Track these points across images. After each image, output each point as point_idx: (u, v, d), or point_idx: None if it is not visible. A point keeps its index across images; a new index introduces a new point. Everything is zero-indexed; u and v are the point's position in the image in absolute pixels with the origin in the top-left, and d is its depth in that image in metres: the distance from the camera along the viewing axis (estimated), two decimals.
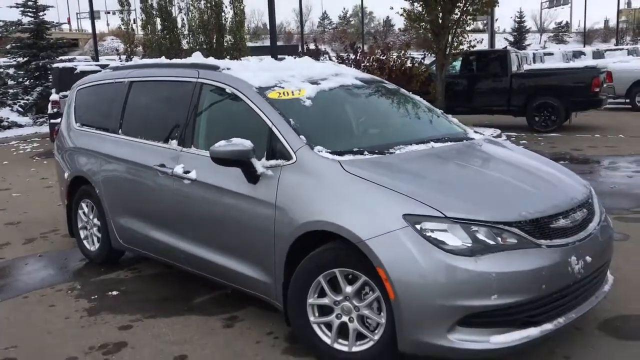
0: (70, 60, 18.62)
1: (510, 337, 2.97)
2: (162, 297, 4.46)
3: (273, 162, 3.59)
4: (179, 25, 30.60)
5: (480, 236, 2.98)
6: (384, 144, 3.75)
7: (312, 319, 3.34)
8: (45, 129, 15.91)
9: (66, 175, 5.43)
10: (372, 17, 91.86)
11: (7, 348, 3.70)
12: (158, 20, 30.15)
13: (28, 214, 7.20)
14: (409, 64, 13.16)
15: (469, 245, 2.94)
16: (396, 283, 2.95)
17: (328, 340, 3.30)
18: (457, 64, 14.28)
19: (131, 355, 3.56)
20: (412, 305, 2.94)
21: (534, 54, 23.34)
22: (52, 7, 17.44)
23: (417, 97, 4.80)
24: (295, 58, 4.97)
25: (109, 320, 4.07)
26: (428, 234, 2.96)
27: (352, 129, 4.11)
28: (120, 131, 4.87)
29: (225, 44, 30.98)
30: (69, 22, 72.65)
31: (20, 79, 17.47)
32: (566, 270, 3.10)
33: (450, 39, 12.23)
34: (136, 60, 6.55)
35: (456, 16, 12.12)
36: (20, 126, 16.57)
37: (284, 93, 3.95)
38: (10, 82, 17.28)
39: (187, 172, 4.06)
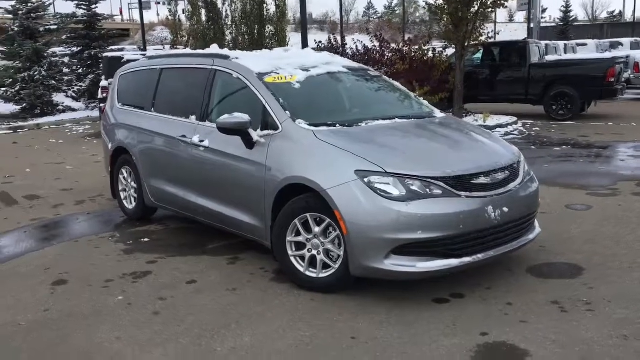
0: (119, 50, 20.03)
1: (433, 264, 3.88)
2: (182, 243, 5.51)
3: (265, 132, 4.57)
4: (224, 17, 31.91)
5: (413, 187, 3.89)
6: (355, 119, 4.70)
7: (290, 252, 4.32)
8: (95, 113, 17.32)
9: (110, 146, 6.55)
10: (417, 6, 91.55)
11: (61, 273, 4.81)
12: (203, 11, 31.54)
13: (79, 183, 8.39)
14: (430, 54, 13.94)
15: (404, 193, 3.86)
16: (348, 222, 3.90)
17: (302, 269, 4.28)
18: (480, 55, 14.98)
19: (154, 279, 4.62)
20: (359, 238, 3.89)
21: (565, 44, 23.58)
22: (103, 0, 18.81)
23: (397, 83, 5.69)
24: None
25: (139, 257, 5.14)
26: (373, 185, 3.89)
27: (331, 106, 5.03)
28: (152, 109, 5.94)
29: (267, 35, 32.15)
30: (121, 13, 75.18)
31: (74, 67, 18.97)
32: (483, 216, 3.98)
33: (469, 30, 12.92)
34: (168, 51, 7.60)
35: (474, 9, 12.80)
36: (74, 110, 18.05)
37: (278, 78, 4.92)
38: (65, 70, 18.76)
39: (202, 141, 5.08)
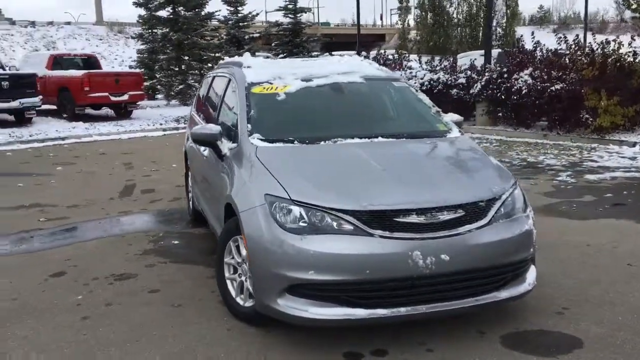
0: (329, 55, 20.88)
1: (331, 312, 3.30)
2: (201, 250, 5.49)
3: (233, 144, 4.35)
4: (450, 20, 31.32)
5: (321, 219, 3.35)
6: (322, 135, 4.20)
7: (226, 274, 4.05)
8: None
9: (183, 149, 6.87)
10: None
11: (70, 266, 5.14)
12: (429, 15, 31.31)
13: None
14: (630, 58, 11.86)
15: (304, 225, 3.35)
16: (250, 250, 3.52)
17: (233, 294, 3.97)
18: None
19: (128, 283, 4.70)
20: (258, 271, 3.49)
21: None
22: (309, 9, 19.83)
23: (422, 96, 4.95)
24: None
25: (147, 259, 5.27)
26: (277, 212, 3.44)
27: (305, 120, 4.52)
28: (201, 115, 6.06)
29: (495, 36, 30.63)
30: (381, 18, 78.81)
31: None
32: (404, 262, 3.25)
33: None
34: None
35: None
36: None
37: (268, 88, 4.63)
38: None
39: (204, 149, 5.03)
